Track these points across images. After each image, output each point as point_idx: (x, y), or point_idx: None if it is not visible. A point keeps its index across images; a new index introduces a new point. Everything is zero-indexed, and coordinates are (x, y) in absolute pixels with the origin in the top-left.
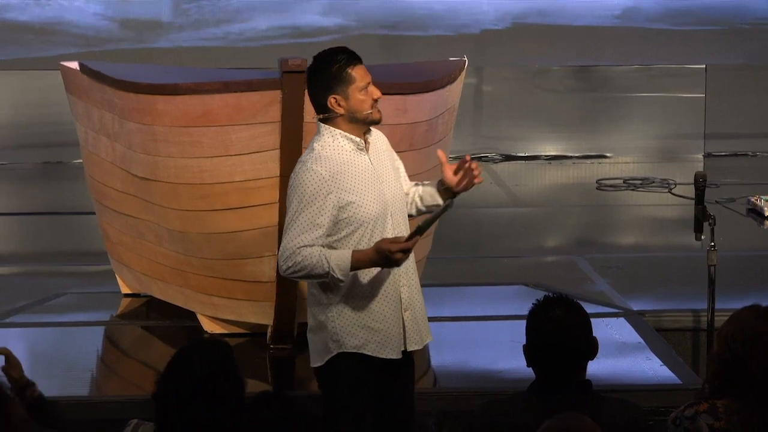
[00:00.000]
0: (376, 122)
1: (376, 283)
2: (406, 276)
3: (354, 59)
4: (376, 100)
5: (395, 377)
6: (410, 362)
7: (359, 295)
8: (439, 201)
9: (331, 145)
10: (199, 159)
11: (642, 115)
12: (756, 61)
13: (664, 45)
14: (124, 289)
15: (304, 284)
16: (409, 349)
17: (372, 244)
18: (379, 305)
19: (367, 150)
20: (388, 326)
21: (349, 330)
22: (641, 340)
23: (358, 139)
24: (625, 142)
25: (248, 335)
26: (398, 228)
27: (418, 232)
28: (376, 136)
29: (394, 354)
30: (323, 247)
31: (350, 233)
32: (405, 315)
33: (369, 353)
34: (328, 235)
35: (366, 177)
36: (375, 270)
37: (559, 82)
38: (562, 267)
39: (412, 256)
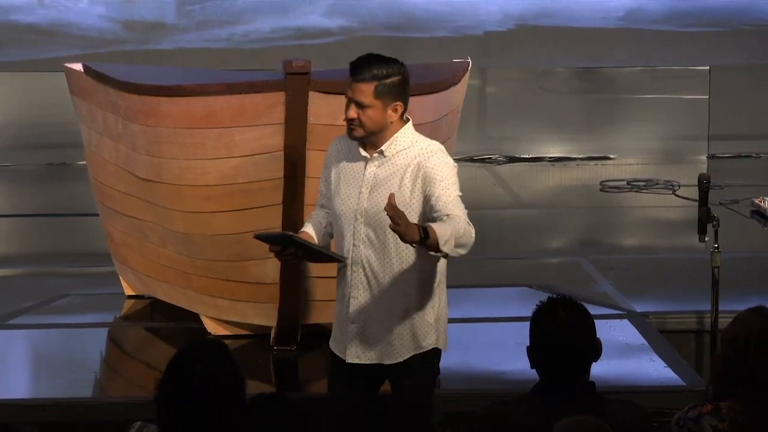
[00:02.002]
0: (351, 137)
1: (338, 283)
2: (364, 292)
3: (351, 71)
4: (346, 119)
5: (393, 385)
6: (409, 373)
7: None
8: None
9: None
10: (203, 160)
11: (646, 116)
12: (760, 62)
13: (668, 46)
14: (128, 291)
15: (308, 285)
16: (347, 360)
17: (335, 235)
18: (337, 303)
19: (371, 155)
20: (337, 324)
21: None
22: (645, 341)
23: (355, 145)
24: (628, 143)
25: (252, 337)
26: (365, 242)
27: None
28: (405, 155)
29: (340, 352)
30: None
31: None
32: (349, 327)
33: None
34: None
35: (349, 178)
36: (341, 268)
37: (563, 83)
38: (565, 268)
39: (392, 279)
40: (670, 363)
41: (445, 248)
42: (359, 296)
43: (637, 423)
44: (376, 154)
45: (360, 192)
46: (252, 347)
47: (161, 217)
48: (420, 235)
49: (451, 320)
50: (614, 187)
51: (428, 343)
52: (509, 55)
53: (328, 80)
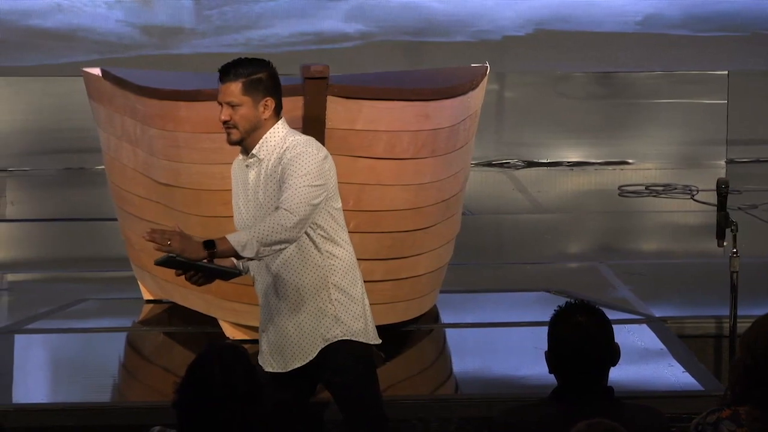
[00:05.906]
0: (229, 142)
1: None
2: (265, 299)
3: (219, 78)
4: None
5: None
6: (327, 369)
7: None
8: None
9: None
10: (221, 165)
11: (664, 121)
12: None
13: (686, 51)
14: (146, 296)
15: None
16: (265, 369)
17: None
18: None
19: (249, 160)
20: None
21: None
22: (663, 346)
23: (242, 158)
24: (647, 148)
25: None
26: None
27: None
28: (277, 153)
29: (263, 364)
30: None
31: None
32: (261, 336)
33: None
34: None
35: (239, 191)
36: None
37: (581, 88)
38: (584, 273)
39: (281, 280)
40: (689, 368)
41: (246, 253)
42: (263, 304)
43: (656, 428)
44: (251, 160)
45: (247, 201)
46: None
47: (180, 221)
48: (205, 250)
49: (469, 325)
50: (633, 192)
51: (333, 335)
52: (527, 59)
53: (346, 85)
